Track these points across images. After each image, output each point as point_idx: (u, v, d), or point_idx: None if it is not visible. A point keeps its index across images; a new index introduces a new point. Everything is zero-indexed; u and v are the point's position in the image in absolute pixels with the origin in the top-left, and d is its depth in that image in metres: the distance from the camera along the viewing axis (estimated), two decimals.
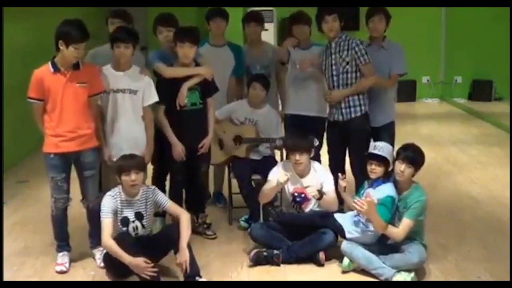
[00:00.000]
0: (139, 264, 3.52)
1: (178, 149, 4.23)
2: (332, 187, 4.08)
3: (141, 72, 4.09)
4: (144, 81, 4.08)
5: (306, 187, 4.04)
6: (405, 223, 3.70)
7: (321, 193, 3.98)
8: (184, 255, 3.61)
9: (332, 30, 4.39)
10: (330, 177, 4.14)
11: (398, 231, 3.71)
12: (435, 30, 10.98)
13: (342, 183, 4.03)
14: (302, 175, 4.13)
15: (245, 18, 5.01)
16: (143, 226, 3.83)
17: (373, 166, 3.85)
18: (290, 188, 4.17)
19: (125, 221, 3.77)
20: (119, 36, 3.96)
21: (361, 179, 4.16)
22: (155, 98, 4.11)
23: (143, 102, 4.08)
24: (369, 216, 3.71)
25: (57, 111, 3.77)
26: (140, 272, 3.54)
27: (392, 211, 3.75)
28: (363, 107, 4.43)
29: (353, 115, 4.41)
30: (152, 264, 3.55)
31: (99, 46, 4.39)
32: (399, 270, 3.68)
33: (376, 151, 3.85)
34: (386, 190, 3.79)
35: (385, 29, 4.56)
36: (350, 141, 4.44)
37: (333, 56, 4.44)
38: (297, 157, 4.03)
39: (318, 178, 4.11)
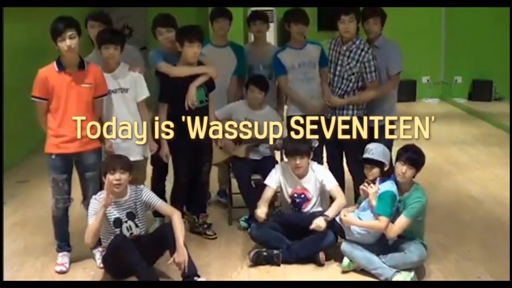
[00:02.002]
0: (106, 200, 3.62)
1: (164, 152, 4.23)
2: (334, 182, 4.09)
3: (130, 68, 4.08)
4: (134, 77, 4.07)
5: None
6: (401, 221, 3.70)
7: (326, 220, 3.90)
8: (182, 254, 3.61)
9: (348, 31, 4.36)
10: (329, 174, 4.15)
11: (392, 227, 3.71)
12: (435, 30, 10.96)
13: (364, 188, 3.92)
14: (301, 176, 4.13)
15: (251, 16, 5.01)
16: (136, 225, 3.82)
17: (367, 170, 3.86)
18: (288, 190, 4.17)
19: (118, 222, 3.76)
20: (108, 37, 3.96)
21: (359, 179, 4.16)
22: (146, 93, 4.11)
23: (136, 98, 4.08)
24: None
25: (60, 111, 3.77)
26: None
27: (393, 206, 3.74)
28: (355, 112, 4.46)
29: (344, 117, 4.41)
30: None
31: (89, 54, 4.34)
32: (399, 270, 3.68)
33: (366, 155, 3.85)
34: (385, 187, 3.79)
35: (381, 29, 4.56)
36: (345, 142, 4.42)
37: (340, 57, 4.44)
38: (297, 161, 4.03)
39: (317, 178, 4.12)
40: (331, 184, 4.09)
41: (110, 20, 4.39)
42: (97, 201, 3.71)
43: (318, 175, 4.12)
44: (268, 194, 4.16)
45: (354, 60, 4.37)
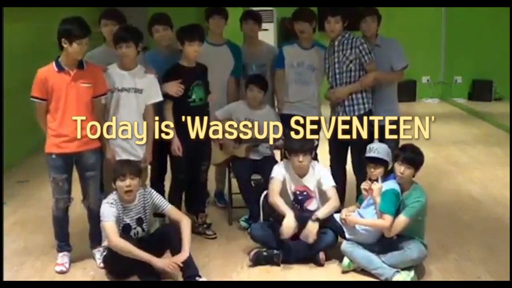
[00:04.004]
0: (164, 262, 3.62)
1: (176, 145, 4.23)
2: (331, 183, 4.07)
3: (146, 71, 4.09)
4: (149, 80, 4.08)
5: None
6: (400, 220, 3.70)
7: (317, 219, 3.92)
8: (182, 257, 3.62)
9: (333, 31, 4.43)
10: (328, 174, 4.15)
11: (392, 227, 3.71)
12: (435, 30, 10.97)
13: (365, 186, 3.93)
14: (302, 175, 4.13)
15: (243, 16, 5.01)
16: (143, 230, 3.85)
17: (372, 169, 3.86)
18: (291, 187, 4.17)
19: (127, 228, 3.78)
20: (121, 35, 3.95)
21: (362, 178, 4.15)
22: (159, 97, 4.12)
23: (147, 100, 4.07)
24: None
25: (60, 111, 3.76)
26: (165, 267, 3.61)
27: (395, 204, 3.73)
28: (366, 105, 4.46)
29: (356, 113, 4.42)
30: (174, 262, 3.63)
31: (95, 48, 4.35)
32: (398, 270, 3.68)
33: (372, 154, 3.85)
34: (388, 185, 3.79)
35: (377, 29, 4.58)
36: (352, 140, 4.42)
37: (336, 54, 4.46)
38: (301, 158, 4.03)
39: (316, 177, 4.12)
40: (328, 184, 4.07)
41: (124, 17, 4.39)
42: (111, 205, 3.70)
43: (317, 174, 4.12)
44: (277, 186, 4.10)
45: (348, 48, 4.41)
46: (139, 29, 4.08)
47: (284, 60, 4.72)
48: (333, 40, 4.49)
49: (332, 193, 4.05)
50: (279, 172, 4.15)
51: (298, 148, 4.05)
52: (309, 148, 4.07)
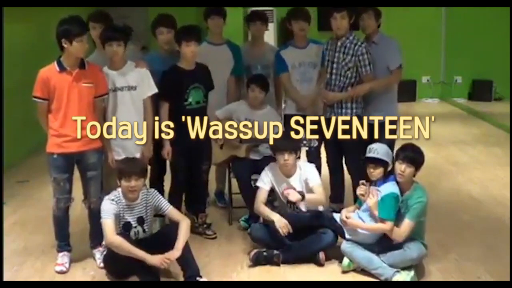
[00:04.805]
0: (157, 259, 3.56)
1: (166, 150, 4.24)
2: (318, 182, 4.08)
3: (136, 65, 4.08)
4: (140, 74, 4.07)
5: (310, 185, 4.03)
6: (406, 224, 3.70)
7: (302, 194, 3.98)
8: (174, 255, 3.61)
9: (340, 28, 4.40)
10: (314, 172, 4.16)
11: (399, 232, 3.71)
12: (435, 30, 10.98)
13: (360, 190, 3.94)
14: (288, 175, 4.14)
15: (249, 17, 5.00)
16: (144, 230, 3.85)
17: (371, 170, 3.85)
18: (280, 189, 4.17)
19: (128, 227, 3.78)
20: (110, 34, 3.96)
21: (357, 178, 4.16)
22: (153, 89, 4.11)
23: (142, 95, 4.07)
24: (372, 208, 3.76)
25: (62, 111, 3.77)
26: (158, 264, 3.56)
27: (395, 208, 3.73)
28: (354, 110, 4.46)
29: (343, 117, 4.41)
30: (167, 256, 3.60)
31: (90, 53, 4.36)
32: (398, 270, 3.68)
33: (371, 154, 3.85)
34: (387, 188, 3.78)
35: (378, 25, 4.57)
36: (344, 142, 4.42)
37: (336, 54, 4.45)
38: (286, 157, 4.04)
39: (301, 175, 4.12)
40: (314, 182, 4.08)
41: (111, 19, 4.41)
42: (113, 202, 3.71)
43: (303, 173, 4.13)
44: (262, 195, 4.16)
45: (349, 54, 4.39)
46: (127, 28, 4.10)
47: (285, 63, 4.71)
48: (337, 38, 4.47)
49: (317, 190, 4.06)
50: (264, 180, 4.18)
51: (283, 147, 4.06)
52: (293, 147, 4.08)
